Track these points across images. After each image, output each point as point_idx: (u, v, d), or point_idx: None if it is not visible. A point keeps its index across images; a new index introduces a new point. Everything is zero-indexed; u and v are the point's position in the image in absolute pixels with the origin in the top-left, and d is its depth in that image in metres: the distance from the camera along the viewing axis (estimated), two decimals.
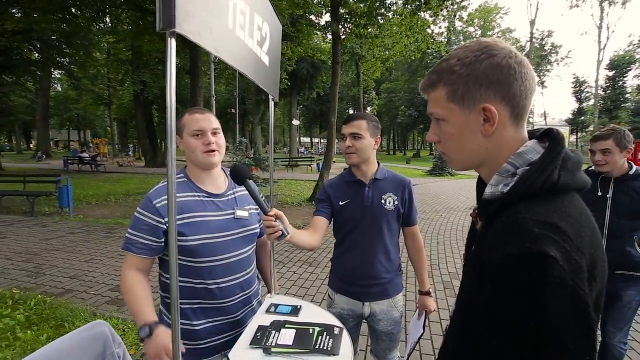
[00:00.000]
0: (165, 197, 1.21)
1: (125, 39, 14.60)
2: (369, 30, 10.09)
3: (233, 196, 1.41)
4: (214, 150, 1.29)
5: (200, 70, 11.83)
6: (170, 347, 1.11)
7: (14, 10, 13.79)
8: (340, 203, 1.62)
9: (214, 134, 1.30)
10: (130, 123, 31.75)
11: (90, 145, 33.61)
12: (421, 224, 7.16)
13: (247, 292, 1.41)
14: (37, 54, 17.59)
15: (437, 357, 0.80)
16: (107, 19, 13.80)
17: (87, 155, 19.69)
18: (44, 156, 25.46)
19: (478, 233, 0.74)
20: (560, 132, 0.66)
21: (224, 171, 1.46)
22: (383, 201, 1.62)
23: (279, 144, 57.94)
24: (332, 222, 1.69)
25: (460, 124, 0.68)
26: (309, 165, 20.62)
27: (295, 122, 14.95)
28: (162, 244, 1.28)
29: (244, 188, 1.39)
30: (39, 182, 8.77)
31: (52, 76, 27.07)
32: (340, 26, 9.57)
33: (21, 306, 3.32)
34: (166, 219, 1.21)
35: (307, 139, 57.06)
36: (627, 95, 33.81)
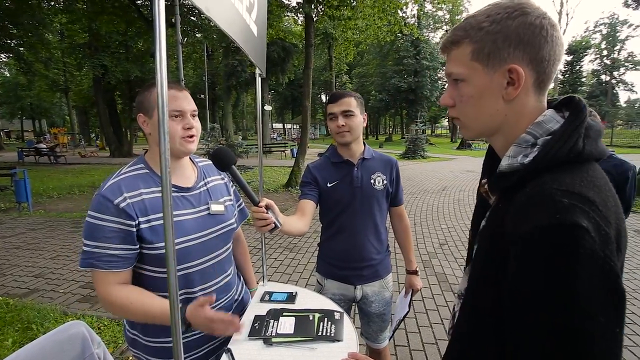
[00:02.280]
0: (130, 193, 1.01)
1: (80, 19, 13.50)
2: (342, 12, 9.89)
3: (205, 188, 1.20)
4: (193, 136, 1.09)
5: (167, 54, 11.20)
6: (209, 314, 0.96)
7: None
8: (329, 185, 1.57)
9: (193, 116, 1.10)
10: (91, 111, 29.81)
11: (47, 135, 31.32)
12: None
13: (229, 295, 1.24)
14: None
15: (449, 341, 0.77)
16: None
17: (45, 146, 18.36)
18: None
19: (492, 207, 0.71)
20: (582, 100, 0.63)
21: (191, 158, 1.24)
22: (373, 181, 1.59)
23: (250, 131, 56.79)
24: (319, 205, 1.63)
25: (481, 86, 0.64)
26: (283, 151, 20.38)
27: (268, 107, 14.59)
28: (138, 251, 1.03)
29: (217, 177, 1.27)
30: None
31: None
32: (312, 7, 9.31)
33: None
34: (138, 220, 1.00)
35: (280, 125, 56.32)
36: (583, 79, 35.85)
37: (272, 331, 1.03)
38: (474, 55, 0.63)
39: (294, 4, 11.31)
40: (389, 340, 1.82)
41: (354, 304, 1.73)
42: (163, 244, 1.02)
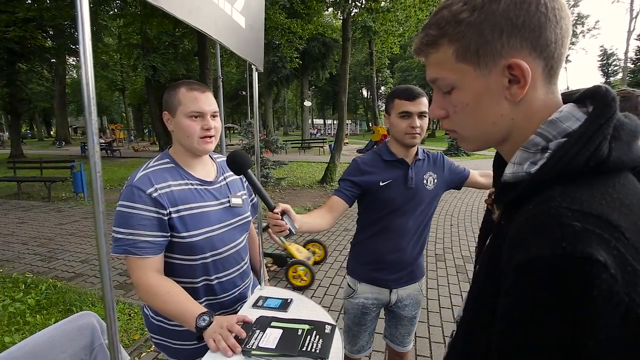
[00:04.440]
0: (160, 185, 1.07)
1: (134, 22, 14.46)
2: (381, 4, 9.61)
3: (224, 182, 1.27)
4: (212, 136, 1.15)
5: (209, 52, 11.65)
6: (231, 321, 1.02)
7: None
8: (381, 184, 1.47)
9: (213, 117, 1.15)
10: (144, 108, 32.06)
11: (107, 131, 34.20)
12: None
13: (245, 283, 1.33)
14: (50, 41, 17.70)
15: None
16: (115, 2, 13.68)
17: (103, 141, 20.05)
18: (64, 143, 26.10)
19: (495, 224, 0.59)
20: (611, 90, 0.48)
21: (209, 154, 1.31)
22: (425, 181, 1.51)
23: (292, 126, 57.71)
24: (362, 203, 1.55)
25: (476, 90, 0.51)
26: (321, 147, 20.43)
27: (307, 103, 14.66)
28: (169, 238, 1.09)
29: (233, 173, 1.27)
30: (55, 168, 8.95)
31: (67, 63, 27.37)
32: (350, 1, 9.14)
33: (33, 290, 3.37)
34: (169, 210, 1.07)
35: (321, 121, 56.53)
36: None
37: (254, 343, 0.97)
38: (459, 56, 0.50)
39: None
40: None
41: (383, 308, 1.65)
42: (192, 232, 1.10)
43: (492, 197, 0.65)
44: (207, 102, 1.13)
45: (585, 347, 0.36)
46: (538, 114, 0.51)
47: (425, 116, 1.43)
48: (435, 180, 1.54)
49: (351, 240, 1.67)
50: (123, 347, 1.78)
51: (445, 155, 1.65)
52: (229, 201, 1.23)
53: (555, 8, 0.46)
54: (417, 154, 1.52)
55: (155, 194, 1.05)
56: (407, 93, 1.40)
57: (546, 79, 0.50)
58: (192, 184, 1.16)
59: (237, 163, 1.06)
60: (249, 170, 1.04)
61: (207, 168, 1.25)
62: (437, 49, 0.52)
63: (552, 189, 0.44)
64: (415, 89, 1.42)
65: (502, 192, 0.55)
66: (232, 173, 1.28)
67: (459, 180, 1.65)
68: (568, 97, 0.54)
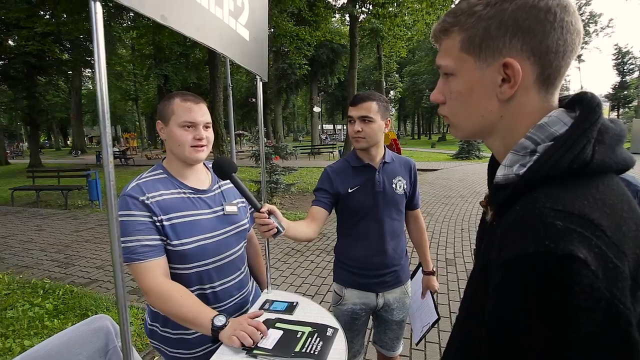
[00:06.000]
0: (152, 193, 1.10)
1: (146, 33, 14.89)
2: (389, 9, 9.67)
3: (219, 190, 1.29)
4: (203, 146, 1.17)
5: (219, 61, 11.89)
6: (247, 320, 1.06)
7: (42, 13, 14.36)
8: (350, 190, 1.52)
9: (206, 127, 1.18)
10: (156, 117, 32.77)
11: (121, 140, 35.04)
12: (445, 209, 6.90)
13: (243, 292, 1.32)
14: (67, 55, 18.31)
15: None
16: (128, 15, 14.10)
17: (118, 150, 20.55)
18: (80, 152, 26.82)
19: (488, 225, 0.61)
20: (596, 96, 0.51)
21: (204, 164, 1.33)
22: (394, 186, 1.53)
23: (302, 132, 58.09)
24: (337, 211, 1.60)
25: (471, 81, 0.54)
26: (331, 152, 20.48)
27: (316, 109, 14.74)
28: (165, 242, 1.11)
29: (229, 181, 1.30)
30: (71, 177, 9.20)
31: (83, 75, 28.20)
32: (357, 7, 9.23)
33: (50, 295, 3.47)
34: (160, 217, 1.09)
35: (330, 126, 56.73)
36: None
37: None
38: (464, 45, 0.53)
39: (340, 5, 11.32)
40: (418, 343, 1.81)
41: (371, 313, 1.66)
42: (183, 240, 1.11)
43: (487, 199, 0.67)
44: (201, 112, 1.15)
45: (569, 340, 0.38)
46: (528, 117, 0.52)
47: (370, 121, 1.42)
48: (406, 186, 1.57)
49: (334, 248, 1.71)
50: (136, 350, 1.83)
51: (417, 171, 1.68)
52: (223, 209, 1.24)
53: (565, 20, 0.48)
54: (384, 157, 1.54)
55: (147, 201, 1.08)
56: (353, 98, 1.46)
57: (541, 85, 0.51)
58: (184, 193, 1.18)
59: (221, 168, 1.10)
60: (234, 174, 1.08)
61: (200, 177, 1.26)
62: (448, 36, 0.55)
63: (538, 190, 0.46)
64: (363, 94, 1.46)
65: (494, 194, 0.58)
66: (228, 181, 1.30)
67: (409, 201, 1.64)
68: (559, 102, 0.56)
